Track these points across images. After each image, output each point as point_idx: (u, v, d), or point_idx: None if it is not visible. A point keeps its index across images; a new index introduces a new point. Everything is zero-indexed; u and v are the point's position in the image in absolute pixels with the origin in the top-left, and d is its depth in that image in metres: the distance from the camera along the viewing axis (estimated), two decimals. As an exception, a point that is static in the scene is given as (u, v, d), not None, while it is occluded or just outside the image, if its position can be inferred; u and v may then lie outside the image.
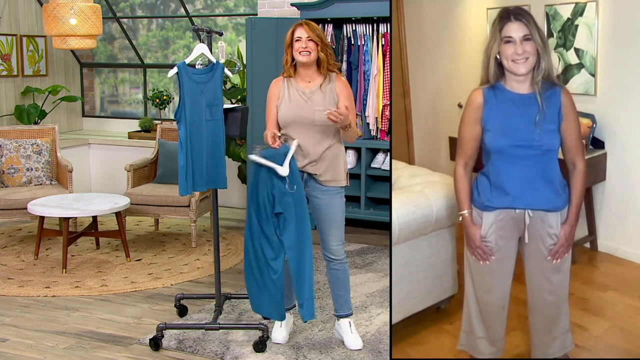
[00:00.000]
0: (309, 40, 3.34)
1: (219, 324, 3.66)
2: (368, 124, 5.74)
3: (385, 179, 5.76)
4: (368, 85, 5.65)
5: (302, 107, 3.39)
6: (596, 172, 4.36)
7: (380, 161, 5.79)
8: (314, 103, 3.39)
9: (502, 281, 3.00)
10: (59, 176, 5.88)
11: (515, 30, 2.70)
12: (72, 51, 7.79)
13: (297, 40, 3.36)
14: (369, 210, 5.75)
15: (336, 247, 3.49)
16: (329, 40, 5.71)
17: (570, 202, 2.87)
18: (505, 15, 2.73)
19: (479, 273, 3.01)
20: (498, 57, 2.76)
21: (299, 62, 3.39)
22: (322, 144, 3.41)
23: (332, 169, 3.44)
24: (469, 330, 3.18)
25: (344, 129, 3.35)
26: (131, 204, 5.32)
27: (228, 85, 6.51)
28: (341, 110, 3.26)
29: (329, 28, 5.75)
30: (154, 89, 7.42)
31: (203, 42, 3.65)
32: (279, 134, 3.39)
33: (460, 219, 2.96)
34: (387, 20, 5.52)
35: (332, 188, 3.45)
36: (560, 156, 2.88)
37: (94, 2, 6.17)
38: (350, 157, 5.88)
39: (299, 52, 3.34)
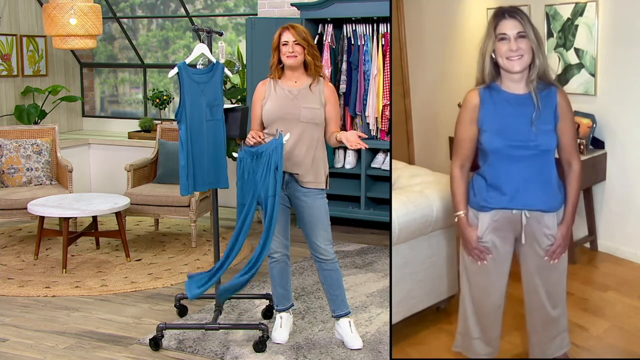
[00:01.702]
0: (295, 44, 3.40)
1: (219, 324, 3.65)
2: (368, 124, 5.74)
3: (385, 179, 5.76)
4: (368, 85, 5.65)
5: (288, 104, 3.43)
6: (596, 172, 4.36)
7: (380, 161, 5.79)
8: (300, 101, 3.43)
9: (499, 281, 3.00)
10: (59, 176, 5.88)
11: (509, 27, 2.71)
12: (72, 51, 7.79)
13: (284, 44, 3.41)
14: (369, 210, 5.75)
15: (325, 247, 3.50)
16: (329, 40, 5.72)
17: (567, 202, 2.87)
18: (500, 13, 2.75)
19: (475, 273, 3.01)
20: (493, 55, 2.76)
21: (287, 65, 3.45)
22: (304, 143, 3.43)
23: (313, 171, 3.47)
24: (464, 332, 3.18)
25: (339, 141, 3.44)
26: (131, 204, 5.32)
27: (228, 85, 6.51)
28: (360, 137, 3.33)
29: (329, 28, 5.75)
30: (154, 89, 7.42)
31: (203, 42, 3.66)
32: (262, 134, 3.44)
33: (456, 219, 2.95)
34: (387, 20, 5.52)
35: (312, 190, 3.48)
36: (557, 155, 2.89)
37: (94, 2, 6.17)
38: (350, 157, 5.88)
39: (287, 56, 3.41)
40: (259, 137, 3.38)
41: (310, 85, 3.46)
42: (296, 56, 3.40)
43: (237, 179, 3.44)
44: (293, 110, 3.42)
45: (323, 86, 3.49)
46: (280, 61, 3.46)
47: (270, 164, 3.29)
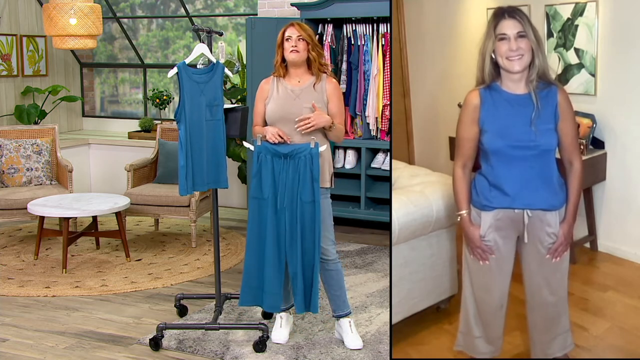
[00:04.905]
0: (299, 39, 3.39)
1: (219, 324, 3.66)
2: (368, 124, 5.74)
3: (385, 179, 5.76)
4: (368, 85, 5.65)
5: (290, 104, 3.42)
6: (596, 172, 4.36)
7: (380, 161, 5.79)
8: (302, 100, 3.42)
9: (501, 280, 3.00)
10: (59, 176, 5.88)
11: (509, 27, 2.71)
12: (72, 51, 7.79)
13: (287, 40, 3.41)
14: (369, 210, 5.75)
15: (327, 248, 3.49)
16: (329, 40, 5.72)
17: (568, 200, 2.88)
18: (500, 13, 2.75)
19: (477, 273, 3.01)
20: (493, 56, 2.77)
21: (289, 62, 3.43)
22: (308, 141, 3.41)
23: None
24: (466, 331, 3.18)
25: (327, 128, 3.41)
26: (131, 204, 5.32)
27: (228, 85, 6.51)
28: (306, 116, 3.34)
29: (329, 28, 5.75)
30: (154, 89, 7.42)
31: (203, 42, 3.65)
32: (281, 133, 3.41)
33: (459, 219, 2.96)
34: (387, 20, 5.52)
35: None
36: (557, 155, 2.89)
37: (94, 2, 6.17)
38: (350, 157, 5.88)
39: (289, 51, 3.39)
40: (285, 137, 3.37)
41: (313, 85, 3.45)
42: (299, 51, 3.38)
43: (252, 172, 3.43)
44: (295, 110, 3.40)
45: (326, 83, 3.47)
46: (284, 59, 3.45)
47: (307, 172, 3.35)
